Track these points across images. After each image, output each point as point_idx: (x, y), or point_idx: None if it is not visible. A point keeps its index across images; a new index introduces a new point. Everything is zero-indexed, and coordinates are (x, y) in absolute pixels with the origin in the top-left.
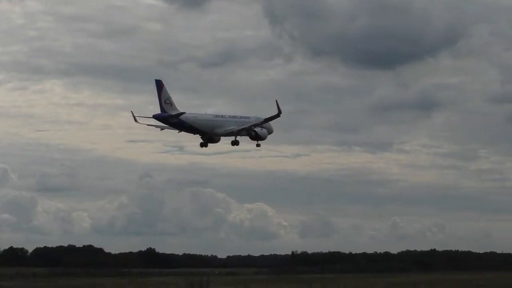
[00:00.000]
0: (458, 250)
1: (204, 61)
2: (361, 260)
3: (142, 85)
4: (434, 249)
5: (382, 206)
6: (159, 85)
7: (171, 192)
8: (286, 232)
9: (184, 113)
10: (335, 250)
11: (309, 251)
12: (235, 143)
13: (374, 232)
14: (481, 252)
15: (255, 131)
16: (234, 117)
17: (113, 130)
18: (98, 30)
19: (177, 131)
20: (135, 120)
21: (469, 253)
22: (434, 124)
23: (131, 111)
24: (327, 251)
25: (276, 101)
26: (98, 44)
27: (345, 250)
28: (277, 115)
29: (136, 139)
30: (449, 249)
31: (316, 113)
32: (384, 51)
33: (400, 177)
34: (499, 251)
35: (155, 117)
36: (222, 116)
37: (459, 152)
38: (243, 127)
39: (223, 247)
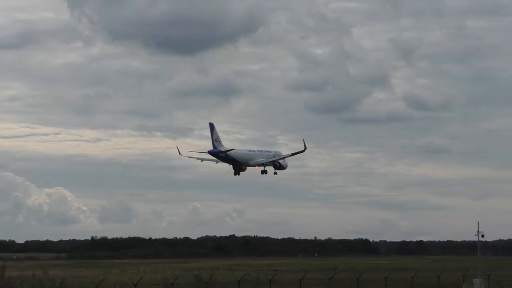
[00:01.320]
0: (257, 236)
1: (1, 42)
2: (161, 245)
3: None
4: (233, 234)
5: (182, 191)
6: (212, 127)
7: None
8: (86, 217)
9: (233, 149)
10: (135, 235)
11: (109, 236)
12: (264, 172)
13: (174, 217)
14: (279, 237)
15: (280, 163)
16: (261, 151)
17: None
18: None
19: (215, 161)
20: (179, 153)
21: (267, 239)
22: (234, 110)
23: (176, 146)
24: (127, 236)
25: (303, 140)
26: None
27: (145, 235)
28: (303, 151)
29: None
30: (248, 234)
31: (116, 98)
32: (184, 37)
33: (200, 163)
34: (296, 237)
35: (210, 152)
36: (253, 151)
37: (258, 138)
38: (271, 159)
39: (22, 231)
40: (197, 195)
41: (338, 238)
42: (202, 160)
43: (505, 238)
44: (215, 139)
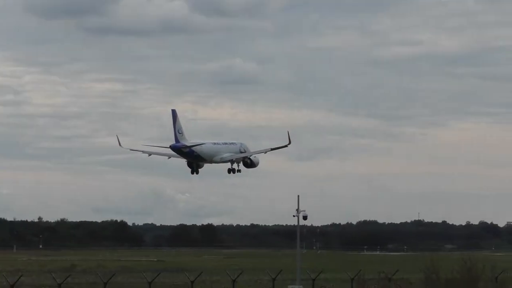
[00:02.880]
0: None
1: None
2: None
3: None
4: None
5: None
6: (174, 114)
7: None
8: None
9: (203, 143)
10: None
11: None
12: (232, 170)
13: None
14: None
15: (251, 159)
16: (225, 143)
17: None
18: None
19: (167, 157)
20: (119, 144)
21: None
22: None
23: (116, 135)
24: None
25: (288, 132)
26: None
27: None
28: (286, 146)
29: None
30: None
31: None
32: None
33: None
34: (10, 218)
35: (173, 147)
36: (217, 143)
37: None
38: (241, 155)
39: None
40: None
41: (77, 219)
42: (149, 154)
43: (341, 222)
44: (177, 131)
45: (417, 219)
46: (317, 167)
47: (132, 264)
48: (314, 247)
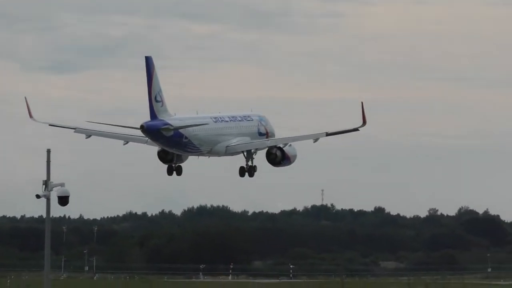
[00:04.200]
0: None
1: None
2: None
3: None
4: None
5: None
6: (149, 64)
7: None
8: None
9: (207, 123)
10: None
11: None
12: (245, 170)
13: None
14: None
15: (282, 150)
16: (234, 118)
17: None
18: None
19: (124, 142)
20: (30, 116)
21: None
22: None
23: (25, 98)
24: None
25: (362, 103)
26: None
27: None
28: (357, 129)
29: None
30: None
31: None
32: None
33: None
34: None
35: (146, 127)
36: (222, 119)
37: None
38: (265, 143)
39: None
40: None
41: None
42: (88, 136)
43: (151, 212)
44: (154, 97)
45: (323, 203)
46: (76, 84)
47: None
48: (86, 267)
